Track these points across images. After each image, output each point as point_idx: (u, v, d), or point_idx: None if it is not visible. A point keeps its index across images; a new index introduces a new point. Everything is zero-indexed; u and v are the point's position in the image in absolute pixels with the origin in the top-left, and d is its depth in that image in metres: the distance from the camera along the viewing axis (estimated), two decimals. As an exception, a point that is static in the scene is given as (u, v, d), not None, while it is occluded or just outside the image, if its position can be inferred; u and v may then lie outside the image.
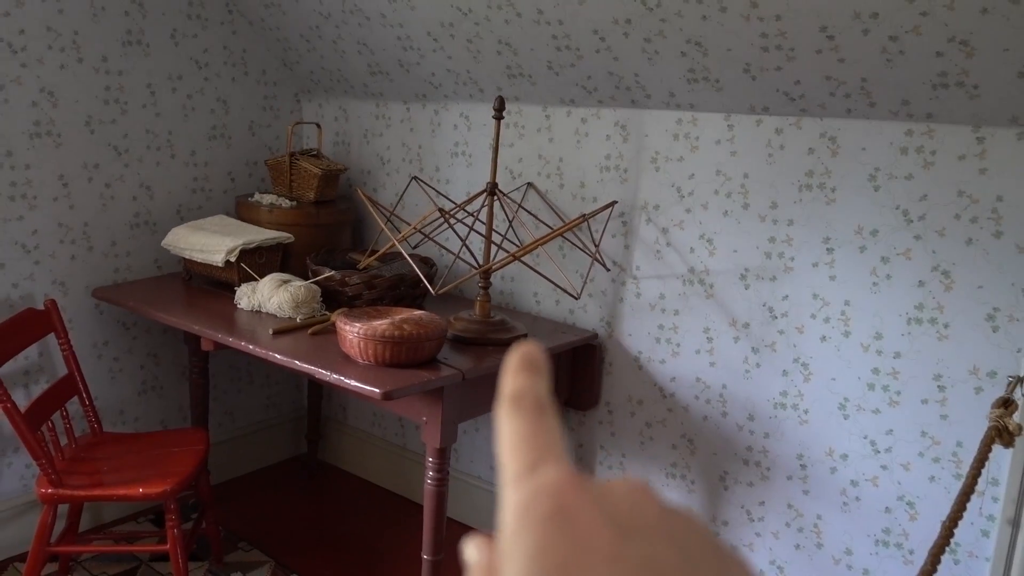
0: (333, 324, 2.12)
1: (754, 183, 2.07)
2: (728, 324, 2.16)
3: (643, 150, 2.25)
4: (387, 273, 2.38)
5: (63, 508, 2.29)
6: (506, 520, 0.27)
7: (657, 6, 1.88)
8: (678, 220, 2.21)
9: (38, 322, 2.26)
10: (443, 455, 2.00)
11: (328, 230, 2.71)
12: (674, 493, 2.35)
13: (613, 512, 0.27)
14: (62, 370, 2.39)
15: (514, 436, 0.30)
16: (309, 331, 2.15)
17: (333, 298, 2.36)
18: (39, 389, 2.41)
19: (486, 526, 2.78)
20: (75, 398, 2.32)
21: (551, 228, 2.33)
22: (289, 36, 2.81)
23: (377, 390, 1.80)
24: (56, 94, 2.41)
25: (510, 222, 2.44)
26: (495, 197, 2.18)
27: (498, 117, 2.14)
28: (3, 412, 2.01)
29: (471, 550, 0.30)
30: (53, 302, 2.31)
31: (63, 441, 2.25)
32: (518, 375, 0.31)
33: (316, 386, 3.08)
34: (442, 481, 2.01)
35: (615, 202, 2.30)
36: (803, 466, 2.09)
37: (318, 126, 2.92)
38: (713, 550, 0.27)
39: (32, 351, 2.43)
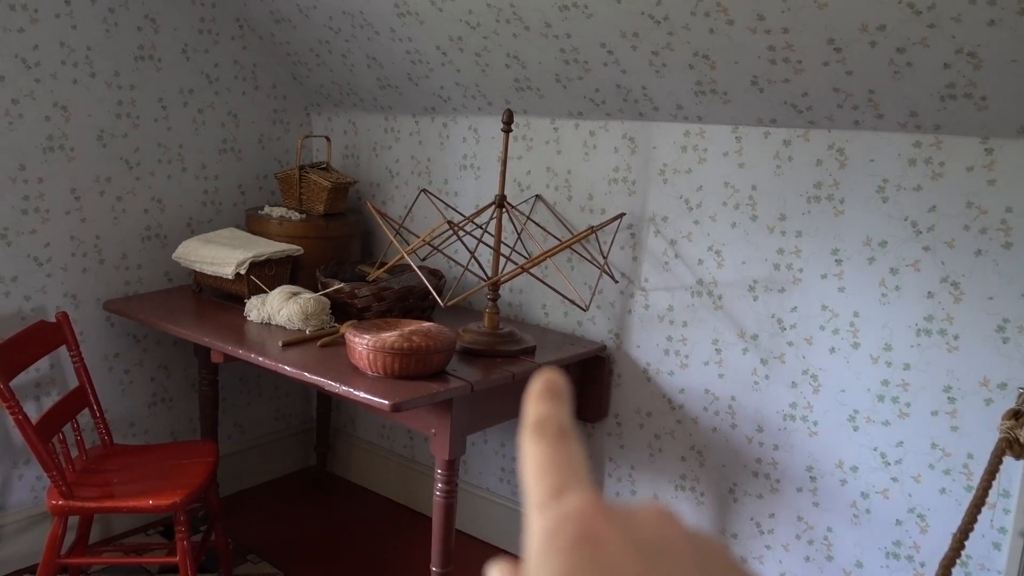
0: (342, 336, 2.13)
1: (762, 195, 2.07)
2: (737, 336, 2.16)
3: (651, 162, 2.26)
4: (396, 285, 2.39)
5: (73, 520, 2.30)
6: (532, 545, 0.27)
7: (664, 19, 1.89)
8: (686, 232, 2.21)
9: (50, 334, 2.28)
10: (452, 467, 2.00)
11: (337, 242, 2.72)
12: (683, 505, 2.34)
13: (639, 537, 0.27)
14: (73, 382, 2.41)
15: (538, 462, 0.30)
16: (318, 343, 2.15)
17: (342, 310, 2.37)
18: (50, 401, 2.42)
19: (495, 539, 2.78)
20: (86, 410, 2.34)
21: (559, 240, 2.33)
22: (299, 50, 2.84)
23: (386, 402, 1.80)
24: (69, 108, 2.43)
25: (519, 234, 2.45)
26: (504, 209, 2.19)
27: (506, 130, 2.15)
28: (15, 424, 2.02)
29: (495, 574, 0.30)
30: (65, 315, 2.32)
31: (74, 453, 2.26)
32: (540, 402, 0.32)
33: (325, 398, 3.09)
34: (451, 493, 2.01)
35: (623, 214, 2.31)
36: (813, 478, 2.08)
37: (327, 139, 2.94)
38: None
39: (44, 363, 2.45)
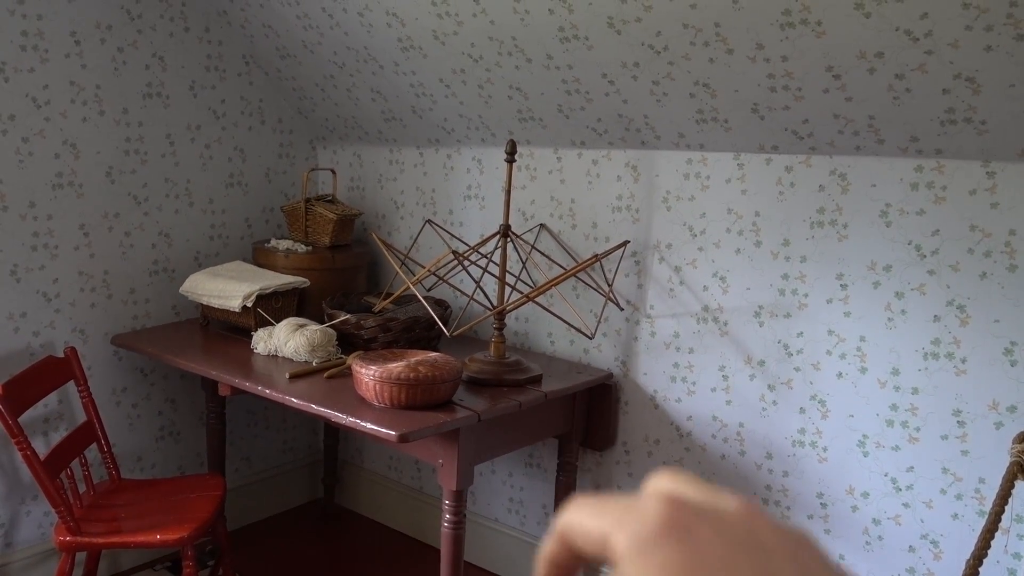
0: (349, 367, 2.13)
1: (765, 221, 2.08)
2: (743, 362, 2.15)
3: (654, 190, 2.27)
4: (402, 316, 2.39)
5: (81, 556, 2.29)
6: (622, 552, 0.28)
7: (664, 49, 1.92)
8: (691, 259, 2.22)
9: (58, 370, 2.29)
10: (460, 497, 1.99)
11: (343, 274, 2.74)
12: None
13: (728, 530, 0.28)
14: (81, 417, 2.41)
15: (588, 519, 0.31)
16: (325, 375, 2.16)
17: (349, 341, 2.37)
18: (58, 436, 2.43)
19: (504, 569, 2.75)
20: (94, 445, 2.34)
21: (564, 269, 2.34)
22: (304, 85, 2.87)
23: (393, 432, 1.80)
24: (78, 146, 2.46)
25: (523, 263, 2.46)
26: (508, 239, 2.20)
27: (510, 160, 2.17)
28: (23, 459, 2.02)
29: (578, 511, 0.31)
30: (73, 350, 2.34)
31: (81, 488, 2.26)
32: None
33: (332, 430, 3.09)
34: (459, 524, 2.00)
35: (627, 242, 2.32)
36: (824, 505, 2.06)
37: (333, 172, 2.96)
38: (830, 570, 0.27)
39: (52, 398, 2.45)
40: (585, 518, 0.31)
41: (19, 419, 2.03)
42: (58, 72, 2.39)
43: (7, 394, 2.01)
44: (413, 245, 2.65)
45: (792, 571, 0.26)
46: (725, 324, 2.18)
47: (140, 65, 2.58)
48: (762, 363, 2.12)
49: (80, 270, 2.51)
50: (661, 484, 0.30)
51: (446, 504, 1.99)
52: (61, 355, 2.33)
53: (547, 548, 0.32)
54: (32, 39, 2.32)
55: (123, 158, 2.58)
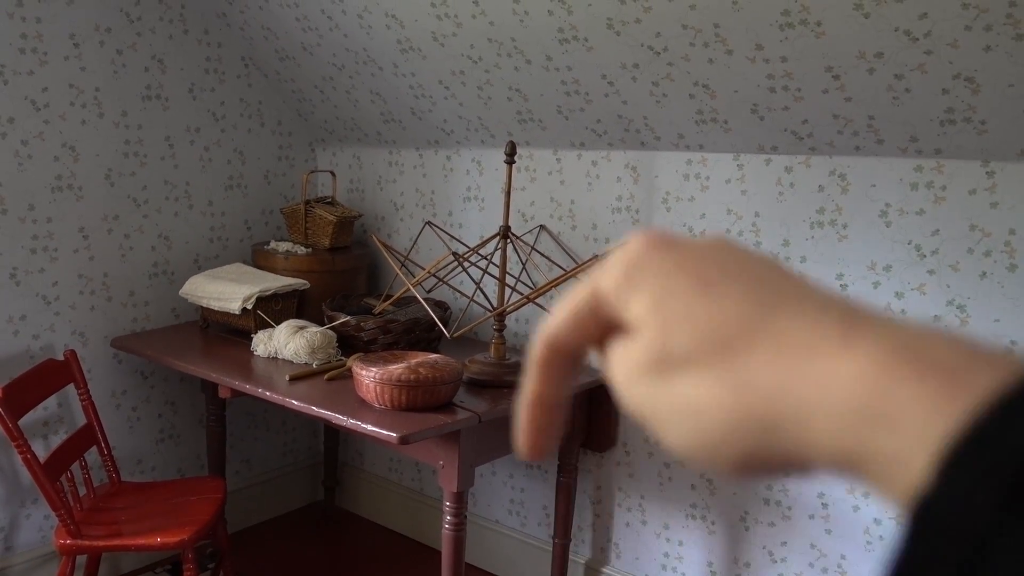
0: (349, 369, 2.13)
1: (765, 221, 2.08)
2: (744, 362, 2.15)
3: (654, 191, 2.27)
4: (402, 317, 2.39)
5: (81, 559, 2.29)
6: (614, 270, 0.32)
7: (664, 50, 1.92)
8: (691, 259, 2.21)
9: (58, 373, 2.29)
10: (460, 499, 1.99)
11: (343, 276, 2.74)
12: (694, 535, 2.32)
13: (703, 254, 0.31)
14: (81, 420, 2.41)
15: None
16: (325, 377, 2.16)
17: (349, 343, 2.37)
18: (58, 439, 2.42)
19: (505, 571, 2.75)
20: (94, 448, 2.34)
21: (564, 270, 2.34)
22: (303, 87, 2.87)
23: (393, 434, 1.80)
24: (77, 149, 2.46)
25: (523, 264, 2.46)
26: (508, 240, 2.20)
27: (509, 161, 2.17)
28: (23, 463, 2.02)
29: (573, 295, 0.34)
30: (73, 353, 2.33)
31: (82, 491, 2.26)
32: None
33: (333, 432, 3.08)
34: (460, 526, 2.00)
35: (627, 243, 2.31)
36: (824, 505, 2.06)
37: (332, 174, 2.96)
38: (801, 279, 0.30)
39: (51, 402, 2.45)
40: (565, 303, 0.34)
41: (19, 422, 2.03)
42: (57, 75, 2.39)
43: (7, 397, 2.01)
44: (413, 247, 2.65)
45: (770, 269, 0.30)
46: (725, 325, 2.17)
47: (139, 67, 2.58)
48: (762, 363, 2.12)
49: (80, 273, 2.51)
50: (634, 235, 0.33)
51: (447, 506, 1.99)
52: (61, 358, 2.33)
53: (535, 352, 0.35)
54: (31, 42, 2.32)
55: (122, 160, 2.58)
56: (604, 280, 0.32)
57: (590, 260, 2.22)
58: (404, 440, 1.80)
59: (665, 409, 0.30)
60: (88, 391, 2.34)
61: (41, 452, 2.19)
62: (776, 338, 0.27)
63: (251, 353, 2.37)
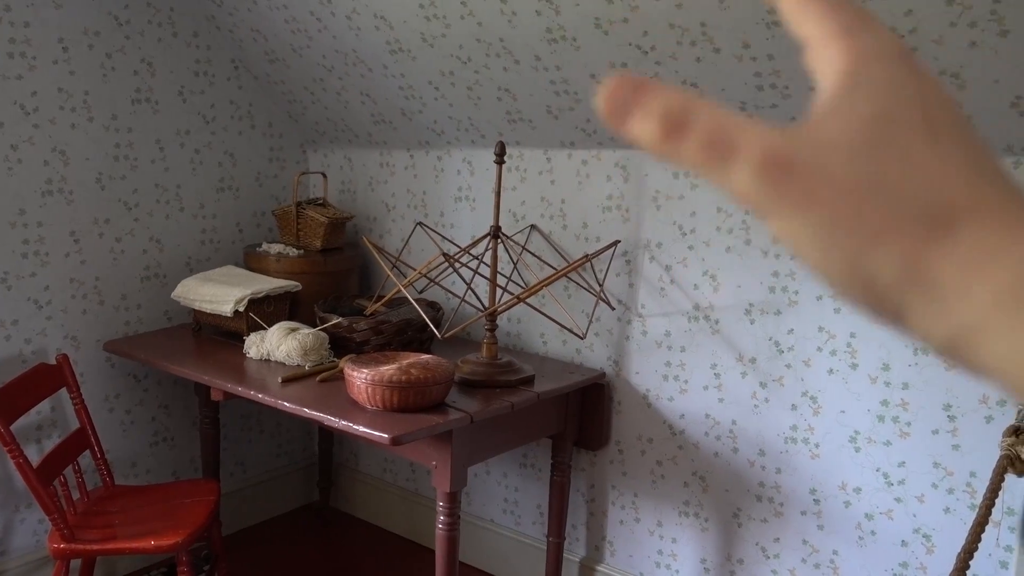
0: (341, 371, 2.13)
1: (755, 219, 2.09)
2: (735, 359, 2.16)
3: (644, 189, 2.28)
4: (394, 318, 2.40)
5: (76, 563, 2.29)
6: (840, 70, 0.30)
7: (652, 49, 1.92)
8: (681, 257, 2.23)
9: (50, 377, 2.28)
10: (454, 499, 1.99)
11: (335, 277, 2.74)
12: (687, 532, 2.33)
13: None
14: (74, 424, 2.41)
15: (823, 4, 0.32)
16: (318, 378, 2.16)
17: (341, 344, 2.37)
18: (51, 443, 2.42)
19: (500, 570, 2.76)
20: (87, 451, 2.33)
21: (555, 269, 2.34)
22: (293, 89, 2.87)
23: (385, 435, 1.80)
24: (67, 153, 2.46)
25: (514, 264, 2.46)
26: (499, 240, 2.21)
27: (500, 162, 2.17)
28: (16, 467, 2.02)
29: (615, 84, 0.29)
30: (65, 357, 2.33)
31: (75, 495, 2.26)
32: None
33: (327, 433, 3.09)
34: (453, 525, 2.01)
35: (618, 241, 2.32)
36: (816, 501, 2.07)
37: (323, 175, 2.96)
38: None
39: (44, 406, 2.45)
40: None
41: (11, 427, 2.02)
42: (46, 79, 2.39)
43: (-1, 402, 2.01)
44: (404, 248, 2.66)
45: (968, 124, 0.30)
46: (716, 322, 2.18)
47: (129, 71, 2.58)
48: (753, 360, 2.13)
49: (71, 277, 2.51)
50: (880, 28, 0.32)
51: (440, 506, 2.00)
52: (53, 362, 2.33)
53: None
54: (19, 46, 2.32)
55: (113, 164, 2.57)
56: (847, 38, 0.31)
57: (581, 259, 2.23)
58: (396, 441, 1.80)
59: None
60: (81, 395, 2.34)
61: (34, 456, 2.19)
62: (988, 216, 0.27)
63: (243, 355, 2.37)
